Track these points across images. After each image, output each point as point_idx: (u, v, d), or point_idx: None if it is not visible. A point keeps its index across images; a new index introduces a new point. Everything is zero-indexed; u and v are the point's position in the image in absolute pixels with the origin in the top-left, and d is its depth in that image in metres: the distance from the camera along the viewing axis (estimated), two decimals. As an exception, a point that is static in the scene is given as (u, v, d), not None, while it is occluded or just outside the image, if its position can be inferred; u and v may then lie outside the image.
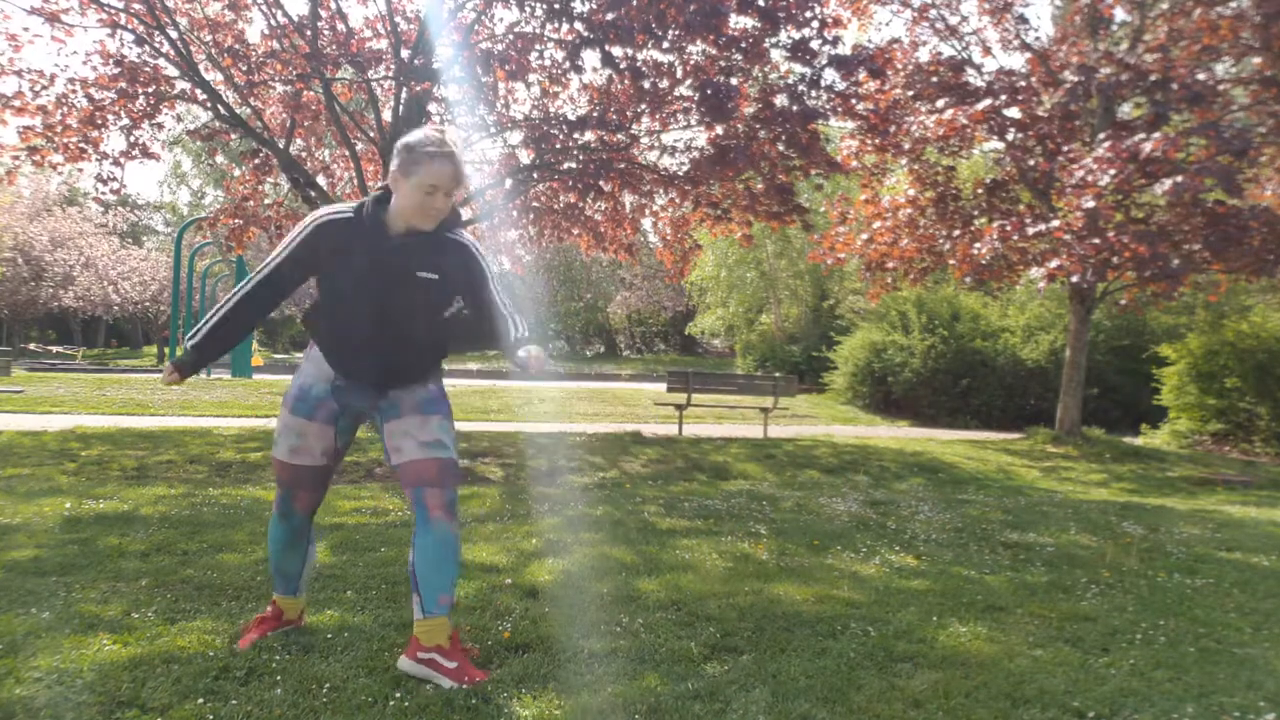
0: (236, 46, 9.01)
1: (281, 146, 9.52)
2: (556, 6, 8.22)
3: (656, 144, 10.17)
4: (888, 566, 4.06)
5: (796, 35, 8.74)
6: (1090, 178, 9.02)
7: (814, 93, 9.02)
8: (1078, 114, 10.87)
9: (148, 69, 8.64)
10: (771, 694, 2.41)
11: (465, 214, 11.18)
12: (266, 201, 11.34)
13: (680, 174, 9.80)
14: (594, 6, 8.25)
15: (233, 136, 10.07)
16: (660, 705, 2.31)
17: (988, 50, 12.39)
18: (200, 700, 2.25)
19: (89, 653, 2.55)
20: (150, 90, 8.65)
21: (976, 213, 11.74)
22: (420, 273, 2.50)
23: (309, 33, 8.90)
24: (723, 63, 9.04)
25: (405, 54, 8.76)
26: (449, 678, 2.41)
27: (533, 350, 2.48)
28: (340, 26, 9.62)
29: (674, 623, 3.04)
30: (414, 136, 2.49)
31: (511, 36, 8.85)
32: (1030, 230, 9.89)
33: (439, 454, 2.54)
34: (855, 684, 2.52)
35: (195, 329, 2.61)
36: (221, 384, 16.16)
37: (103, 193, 9.42)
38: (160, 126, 9.16)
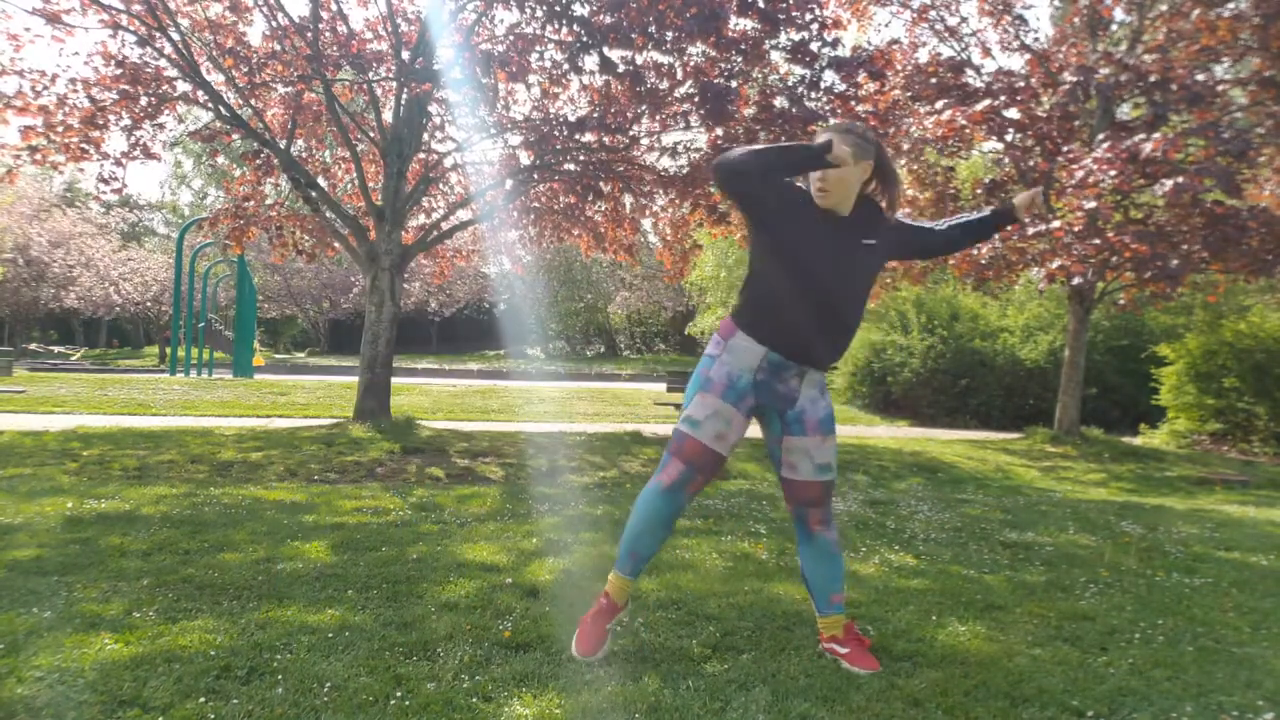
0: (238, 48, 9.02)
1: (282, 147, 9.53)
2: (557, 8, 8.24)
3: (657, 145, 10.19)
4: (887, 566, 4.07)
5: (796, 37, 8.75)
6: (1091, 178, 9.04)
7: (813, 94, 9.03)
8: (1076, 115, 10.89)
9: (149, 70, 8.65)
10: (771, 693, 2.42)
11: (466, 215, 11.20)
12: (267, 202, 11.35)
13: (680, 175, 9.82)
14: (593, 9, 8.26)
15: (234, 137, 10.08)
16: (660, 704, 2.32)
17: (987, 51, 12.41)
18: (202, 699, 2.26)
19: (90, 652, 2.55)
20: (152, 91, 8.66)
21: (975, 213, 11.75)
22: (865, 240, 2.62)
23: (310, 34, 8.91)
24: (723, 65, 9.05)
25: (406, 55, 8.78)
26: (844, 661, 2.65)
27: (1020, 197, 2.76)
28: (341, 28, 9.64)
29: (674, 622, 3.05)
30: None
31: (512, 38, 8.87)
32: (1030, 230, 9.90)
33: (826, 477, 2.71)
34: (855, 683, 2.53)
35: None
36: (223, 384, 16.17)
37: (104, 193, 9.43)
38: (161, 127, 9.18)
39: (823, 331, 2.62)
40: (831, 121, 2.83)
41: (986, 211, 2.87)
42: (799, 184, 2.66)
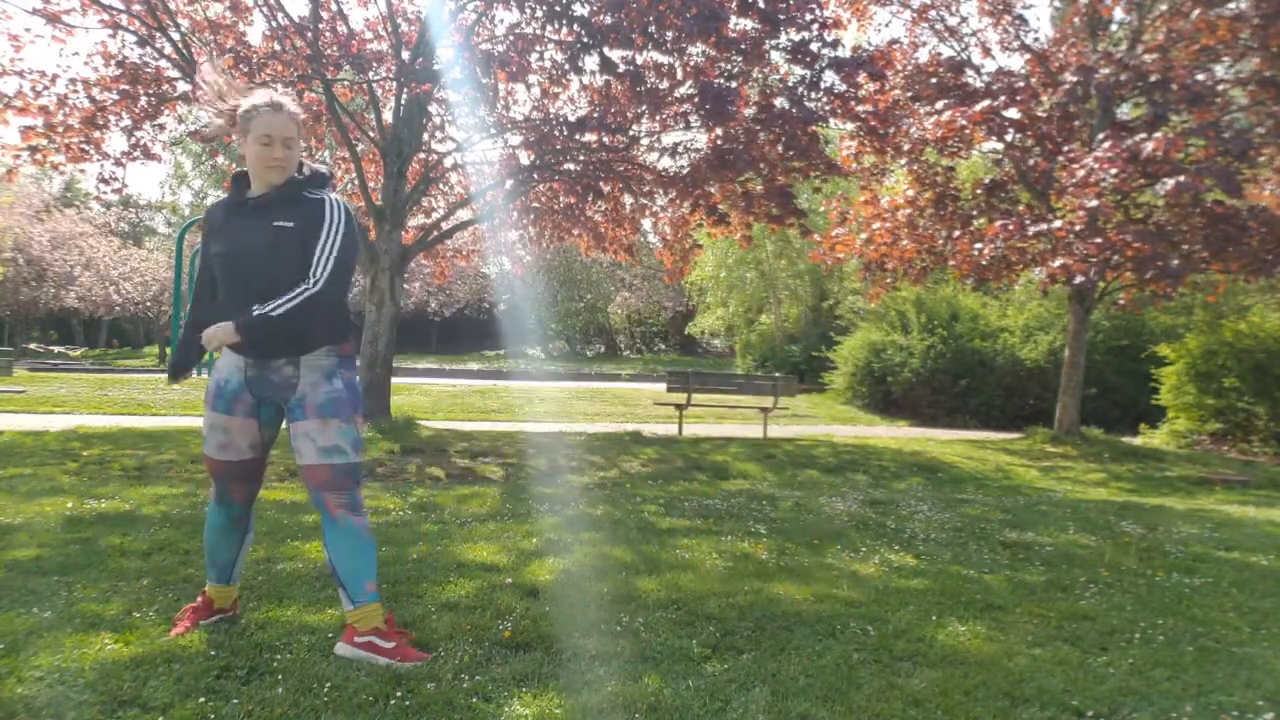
0: (238, 48, 9.02)
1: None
2: (557, 8, 8.24)
3: (656, 145, 10.20)
4: (887, 566, 4.07)
5: (796, 37, 8.76)
6: (1092, 177, 9.04)
7: (813, 94, 9.04)
8: (1076, 115, 10.89)
9: (149, 70, 8.66)
10: (771, 693, 2.42)
11: (466, 215, 11.20)
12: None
13: (680, 175, 9.82)
14: (593, 9, 8.26)
15: (233, 138, 10.09)
16: (660, 704, 2.32)
17: (987, 51, 12.41)
18: (201, 699, 2.26)
19: (90, 652, 2.55)
20: (152, 91, 8.66)
21: (975, 213, 11.76)
22: (277, 222, 2.59)
23: (310, 34, 8.92)
24: (723, 65, 9.06)
25: (406, 55, 8.78)
26: (385, 657, 2.54)
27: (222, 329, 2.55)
28: (341, 28, 9.65)
29: (674, 622, 3.05)
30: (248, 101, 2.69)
31: (512, 38, 8.87)
32: (1030, 230, 9.90)
33: (333, 460, 2.64)
34: (855, 683, 2.53)
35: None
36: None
37: (104, 193, 9.44)
38: (161, 127, 9.18)
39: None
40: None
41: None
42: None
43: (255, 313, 2.51)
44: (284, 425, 2.78)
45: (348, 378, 2.72)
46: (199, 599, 2.85)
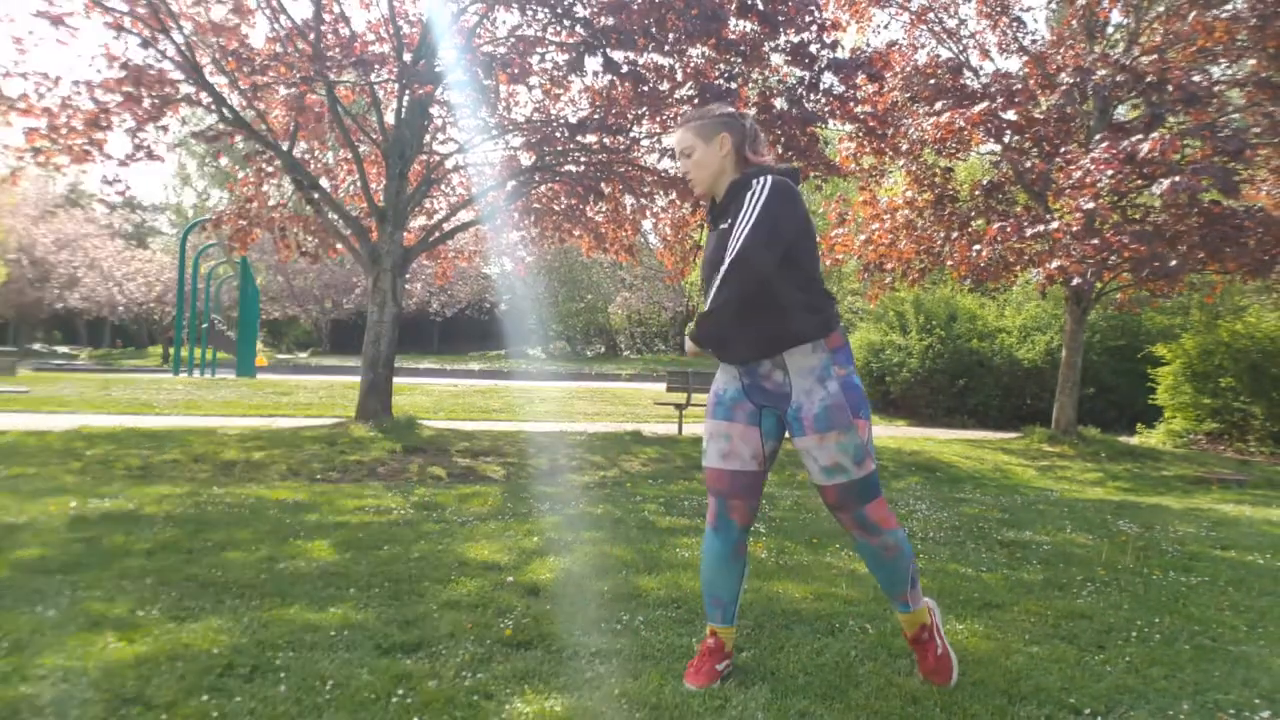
0: (241, 50, 9.05)
1: (285, 149, 9.56)
2: (559, 10, 8.27)
3: (657, 146, 10.22)
4: (885, 565, 4.09)
5: (796, 39, 8.78)
6: (1089, 178, 9.06)
7: (813, 96, 9.06)
8: (1074, 116, 10.91)
9: (152, 72, 8.68)
10: (770, 691, 2.44)
11: (467, 216, 11.23)
12: (270, 204, 11.38)
13: (680, 176, 9.84)
14: (594, 10, 8.29)
15: (237, 139, 10.11)
16: (660, 702, 2.34)
17: (985, 53, 12.43)
18: (205, 697, 2.28)
19: (94, 650, 2.58)
20: (155, 93, 8.68)
21: (974, 214, 11.79)
22: (721, 226, 2.47)
23: (312, 36, 8.94)
24: (722, 66, 9.08)
25: (408, 57, 8.81)
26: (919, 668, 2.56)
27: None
28: (343, 30, 9.67)
29: (674, 620, 3.07)
30: None
31: (513, 40, 8.90)
32: (1028, 232, 9.92)
33: (833, 480, 2.41)
34: (854, 681, 2.55)
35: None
36: (226, 384, 16.20)
37: (108, 194, 9.49)
38: (165, 129, 9.20)
39: (748, 323, 2.46)
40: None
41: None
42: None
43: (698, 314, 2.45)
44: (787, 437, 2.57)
45: (842, 376, 2.42)
46: (708, 641, 2.57)
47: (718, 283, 2.36)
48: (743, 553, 2.56)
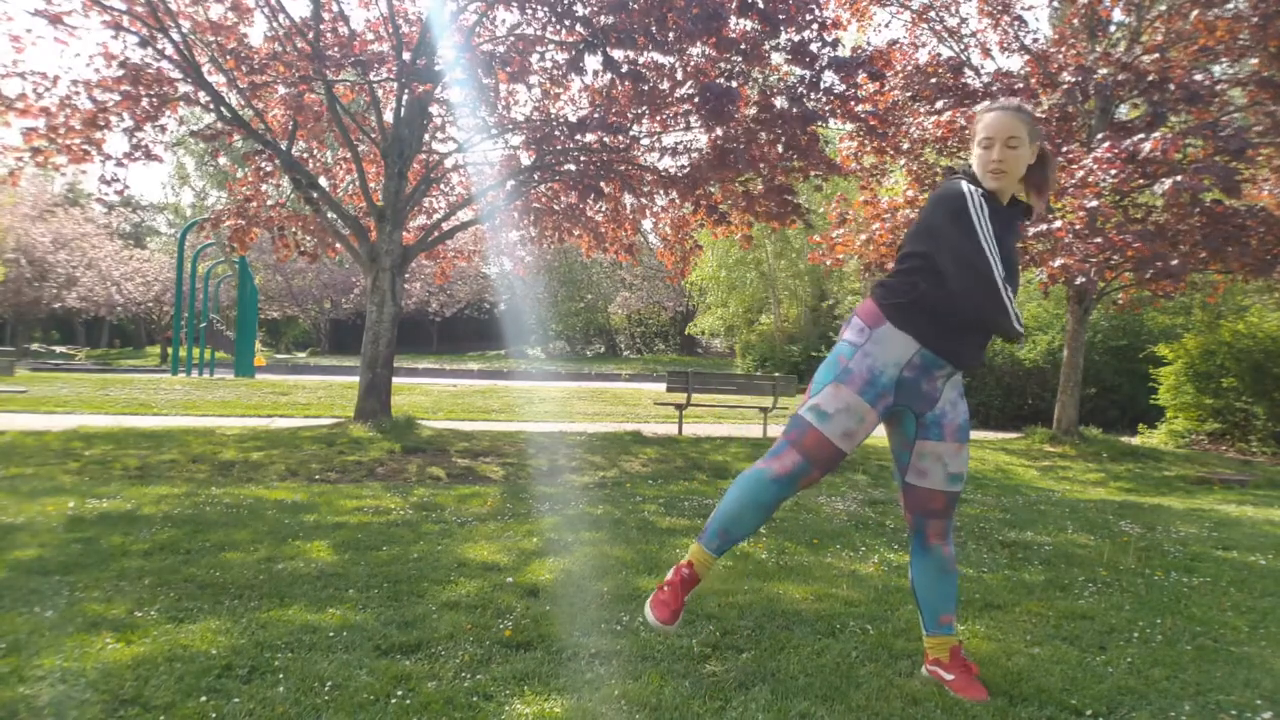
0: (239, 49, 9.04)
1: (284, 148, 9.55)
2: (558, 9, 8.25)
3: (657, 145, 10.21)
4: (886, 565, 4.08)
5: (796, 38, 8.77)
6: (1091, 178, 9.05)
7: (813, 95, 9.05)
8: (1075, 115, 10.90)
9: (151, 71, 8.67)
10: (771, 692, 2.43)
11: (467, 215, 11.21)
12: (269, 203, 11.37)
13: (680, 175, 9.84)
14: (594, 9, 8.28)
15: (235, 138, 10.10)
16: (660, 703, 2.33)
17: (987, 52, 12.42)
18: (203, 698, 2.27)
19: (92, 651, 2.57)
20: (153, 92, 8.67)
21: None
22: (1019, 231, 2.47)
23: (311, 34, 8.93)
24: (723, 65, 9.07)
25: (407, 56, 8.79)
26: (950, 688, 2.48)
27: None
28: (342, 29, 9.66)
29: (674, 621, 3.06)
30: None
31: (513, 39, 8.89)
32: (1030, 231, 9.91)
33: (956, 487, 2.53)
34: (854, 682, 2.54)
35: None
36: (224, 384, 16.19)
37: (106, 194, 9.47)
38: (163, 128, 9.19)
39: (983, 330, 2.46)
40: (1001, 99, 2.56)
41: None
42: (962, 180, 2.43)
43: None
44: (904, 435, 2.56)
45: (965, 399, 2.60)
46: (685, 569, 2.62)
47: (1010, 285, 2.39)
48: (775, 509, 2.56)
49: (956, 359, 2.46)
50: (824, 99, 9.12)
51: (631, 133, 9.63)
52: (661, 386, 12.50)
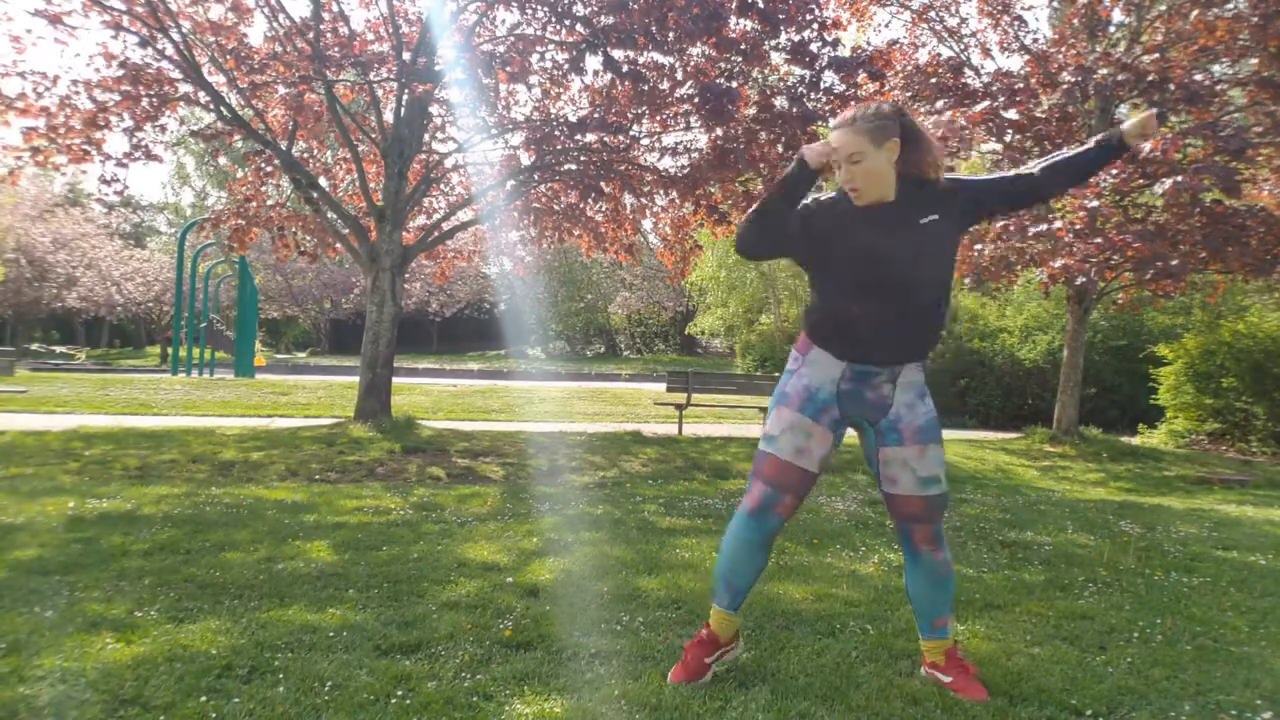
0: (239, 49, 9.04)
1: (284, 148, 9.55)
2: (558, 9, 8.25)
3: (657, 145, 10.21)
4: (886, 565, 4.08)
5: (796, 38, 8.77)
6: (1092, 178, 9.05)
7: (813, 95, 9.05)
8: (1075, 115, 10.90)
9: (151, 71, 8.67)
10: (771, 692, 2.43)
11: (467, 215, 11.21)
12: (269, 203, 11.37)
13: (680, 175, 9.84)
14: (594, 9, 8.28)
15: (235, 138, 10.10)
16: (660, 703, 2.33)
17: (987, 52, 12.43)
18: (203, 698, 2.27)
19: (92, 651, 2.57)
20: (153, 92, 8.67)
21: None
22: (924, 218, 2.41)
23: (311, 34, 8.93)
24: (723, 65, 9.07)
25: (407, 56, 8.79)
26: (950, 689, 2.48)
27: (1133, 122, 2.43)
28: (342, 29, 9.66)
29: (674, 621, 3.06)
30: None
31: (513, 39, 8.88)
32: (1031, 231, 9.91)
33: (929, 491, 2.48)
34: (854, 682, 2.54)
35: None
36: (224, 384, 16.18)
37: (106, 194, 9.47)
38: (163, 128, 9.19)
39: (903, 326, 2.43)
40: (840, 114, 2.49)
41: (1090, 144, 2.50)
42: (829, 194, 2.48)
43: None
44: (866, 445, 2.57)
45: (928, 399, 2.55)
46: (702, 632, 2.57)
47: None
48: (770, 546, 2.56)
49: (879, 360, 2.45)
50: (824, 99, 9.12)
51: (631, 133, 9.63)
52: (661, 386, 12.50)
